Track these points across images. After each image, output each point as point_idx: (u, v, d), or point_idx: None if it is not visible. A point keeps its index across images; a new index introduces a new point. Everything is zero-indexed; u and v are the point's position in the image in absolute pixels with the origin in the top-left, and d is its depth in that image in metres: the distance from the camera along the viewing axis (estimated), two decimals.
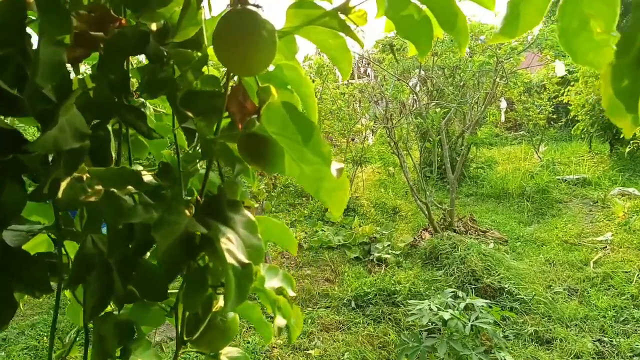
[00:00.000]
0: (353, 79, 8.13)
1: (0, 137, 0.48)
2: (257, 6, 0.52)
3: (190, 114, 0.55)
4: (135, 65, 0.69)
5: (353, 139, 6.54)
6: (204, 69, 0.68)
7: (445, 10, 0.59)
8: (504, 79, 5.23)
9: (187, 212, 0.54)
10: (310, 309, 3.69)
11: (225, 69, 0.60)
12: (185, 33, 0.55)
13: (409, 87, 5.32)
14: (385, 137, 5.75)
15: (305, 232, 5.23)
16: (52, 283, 0.61)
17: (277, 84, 0.72)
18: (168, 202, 0.53)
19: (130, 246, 0.58)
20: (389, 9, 0.62)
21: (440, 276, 3.87)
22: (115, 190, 0.57)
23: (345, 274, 4.23)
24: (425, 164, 6.49)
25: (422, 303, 2.71)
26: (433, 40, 0.64)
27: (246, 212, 0.57)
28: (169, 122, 0.84)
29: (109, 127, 0.67)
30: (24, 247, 0.60)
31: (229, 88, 0.63)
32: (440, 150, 5.38)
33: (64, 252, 0.65)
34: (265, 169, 0.58)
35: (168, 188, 0.66)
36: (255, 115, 0.57)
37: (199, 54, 0.66)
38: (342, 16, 0.60)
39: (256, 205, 4.41)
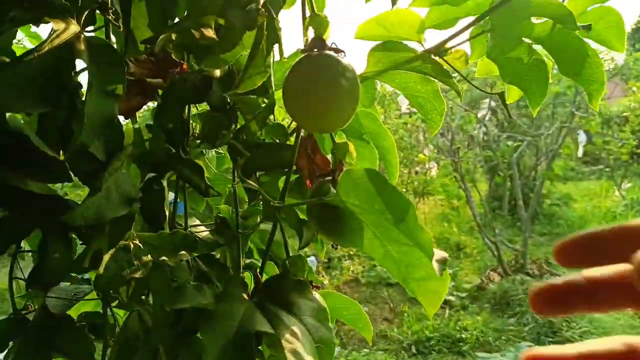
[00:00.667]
0: None
1: (39, 202, 0.42)
2: (338, 50, 0.43)
3: (253, 183, 0.46)
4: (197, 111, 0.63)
5: (417, 172, 6.33)
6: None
7: (569, 50, 0.47)
8: (582, 110, 4.85)
9: (244, 295, 0.44)
10: (367, 350, 3.49)
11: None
12: (252, 82, 0.47)
13: (477, 118, 5.07)
14: (449, 168, 5.49)
15: (363, 266, 5.04)
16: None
17: (352, 134, 0.62)
18: (223, 283, 0.44)
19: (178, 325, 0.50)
20: (492, 50, 0.51)
21: (512, 325, 3.52)
22: (165, 259, 0.50)
23: (405, 314, 3.98)
24: (493, 199, 6.11)
25: (494, 357, 2.45)
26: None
27: (315, 295, 0.46)
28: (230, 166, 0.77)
29: (164, 181, 0.60)
30: None
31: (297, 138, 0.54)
32: (510, 184, 5.03)
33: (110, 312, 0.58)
34: (338, 243, 0.48)
35: (224, 245, 0.58)
36: (330, 178, 0.47)
37: (266, 100, 0.58)
38: (437, 59, 0.50)
39: (325, 282, 4.25)
